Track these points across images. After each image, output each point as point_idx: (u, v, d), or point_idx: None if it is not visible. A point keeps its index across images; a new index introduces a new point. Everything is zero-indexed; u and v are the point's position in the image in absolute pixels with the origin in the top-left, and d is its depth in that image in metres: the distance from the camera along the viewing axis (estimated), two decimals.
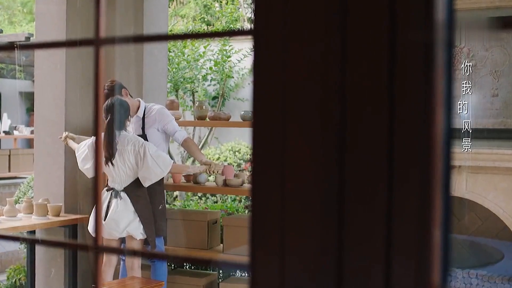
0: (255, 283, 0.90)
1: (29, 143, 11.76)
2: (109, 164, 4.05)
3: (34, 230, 4.72)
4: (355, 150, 0.84)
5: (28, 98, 12.05)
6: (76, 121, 4.99)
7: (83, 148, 4.24)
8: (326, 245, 0.85)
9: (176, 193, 7.57)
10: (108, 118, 4.02)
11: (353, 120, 0.83)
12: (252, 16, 0.89)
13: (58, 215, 4.71)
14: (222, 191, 4.69)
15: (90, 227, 4.25)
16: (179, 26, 8.89)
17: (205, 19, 9.04)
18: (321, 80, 0.85)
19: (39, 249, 4.96)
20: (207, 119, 4.71)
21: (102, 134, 4.17)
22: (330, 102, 0.84)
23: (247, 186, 4.58)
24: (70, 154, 4.74)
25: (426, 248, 0.82)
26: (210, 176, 4.57)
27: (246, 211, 5.86)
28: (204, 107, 4.72)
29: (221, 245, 4.75)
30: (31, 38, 7.81)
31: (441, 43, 0.82)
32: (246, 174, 4.90)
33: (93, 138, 4.24)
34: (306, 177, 0.86)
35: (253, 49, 0.89)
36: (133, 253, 1.25)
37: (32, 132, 9.56)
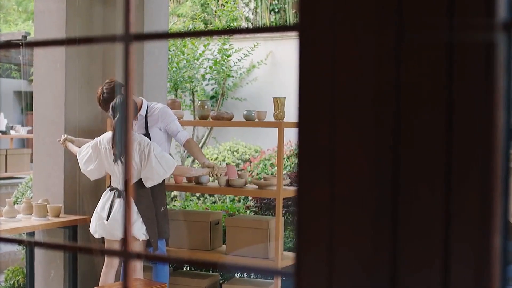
0: None
1: (25, 143, 11.67)
2: (118, 162, 4.01)
3: (33, 231, 4.67)
4: (411, 149, 0.80)
5: (24, 97, 11.97)
6: (75, 121, 4.94)
7: (86, 150, 4.18)
8: (379, 247, 0.81)
9: (175, 193, 7.52)
10: (117, 116, 3.97)
11: (408, 118, 0.79)
12: (298, 10, 0.85)
13: (58, 216, 4.66)
14: (225, 192, 4.65)
15: (92, 228, 4.19)
16: (178, 25, 8.85)
17: (203, 18, 9.00)
18: (374, 77, 0.81)
19: (38, 250, 4.91)
20: (210, 119, 4.67)
21: (110, 132, 4.11)
22: (383, 99, 0.80)
23: (249, 186, 4.54)
24: (69, 154, 4.68)
25: (486, 251, 0.78)
26: (213, 178, 4.53)
27: (248, 212, 5.82)
28: (206, 106, 4.68)
29: (223, 246, 4.71)
30: (28, 36, 7.75)
31: (502, 42, 0.78)
32: (247, 174, 4.85)
33: (96, 140, 4.18)
34: (358, 177, 0.82)
35: (299, 45, 0.85)
36: (159, 258, 1.21)
37: (28, 131, 9.48)
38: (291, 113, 4.89)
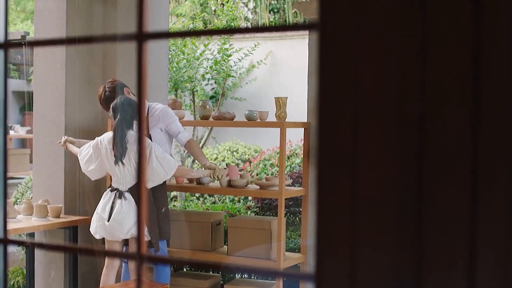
0: None
1: (23, 143, 11.64)
2: (119, 163, 3.97)
3: (34, 232, 4.64)
4: (436, 149, 0.78)
5: (22, 97, 11.93)
6: (76, 121, 4.91)
7: (87, 150, 4.14)
8: (404, 248, 0.79)
9: (175, 193, 7.49)
10: (118, 117, 3.94)
11: (434, 118, 0.78)
12: (318, 7, 0.83)
13: (58, 216, 4.64)
14: (227, 192, 4.63)
15: (92, 229, 4.16)
16: (178, 25, 8.82)
17: (202, 18, 8.98)
18: (398, 75, 0.79)
19: (38, 251, 4.88)
20: (211, 119, 4.64)
21: (111, 132, 4.08)
22: (409, 98, 0.79)
23: (251, 186, 4.52)
24: (69, 154, 4.66)
25: None
26: (215, 180, 4.50)
27: (249, 212, 5.80)
28: (207, 106, 4.65)
29: (225, 246, 4.69)
30: (27, 36, 7.72)
31: None
32: (248, 174, 4.83)
33: (97, 139, 4.15)
34: (381, 177, 0.80)
35: (318, 43, 0.83)
36: (172, 261, 1.19)
37: (27, 132, 9.45)
38: (292, 113, 4.81)
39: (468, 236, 0.77)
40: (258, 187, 4.40)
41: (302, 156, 6.70)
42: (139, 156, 1.00)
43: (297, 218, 5.52)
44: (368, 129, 0.80)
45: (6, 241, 1.12)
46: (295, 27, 0.88)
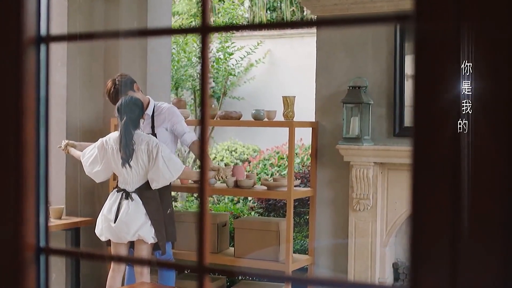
0: None
1: None
2: (126, 165, 3.86)
3: None
4: None
5: None
6: (77, 120, 4.82)
7: (91, 151, 4.02)
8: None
9: (173, 193, 7.40)
10: (124, 118, 3.83)
11: None
12: None
13: (59, 218, 4.55)
14: (234, 193, 4.55)
15: (97, 230, 4.05)
16: (176, 24, 8.73)
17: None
18: (509, 69, 0.71)
19: None
20: (217, 118, 4.55)
21: (117, 132, 3.98)
22: None
23: (258, 187, 4.44)
24: (71, 155, 4.56)
25: None
26: (219, 181, 4.42)
27: (253, 213, 5.72)
28: (213, 106, 4.58)
29: (231, 248, 4.61)
30: None
31: None
32: (255, 174, 4.74)
33: (101, 140, 4.04)
34: (490, 188, 0.73)
35: (416, 38, 0.76)
36: (228, 273, 1.11)
37: None
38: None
39: None
40: (265, 187, 4.33)
41: (303, 156, 6.62)
42: (201, 155, 0.92)
43: (302, 219, 5.44)
44: (475, 132, 0.73)
45: (48, 251, 1.04)
46: (380, 19, 0.80)
